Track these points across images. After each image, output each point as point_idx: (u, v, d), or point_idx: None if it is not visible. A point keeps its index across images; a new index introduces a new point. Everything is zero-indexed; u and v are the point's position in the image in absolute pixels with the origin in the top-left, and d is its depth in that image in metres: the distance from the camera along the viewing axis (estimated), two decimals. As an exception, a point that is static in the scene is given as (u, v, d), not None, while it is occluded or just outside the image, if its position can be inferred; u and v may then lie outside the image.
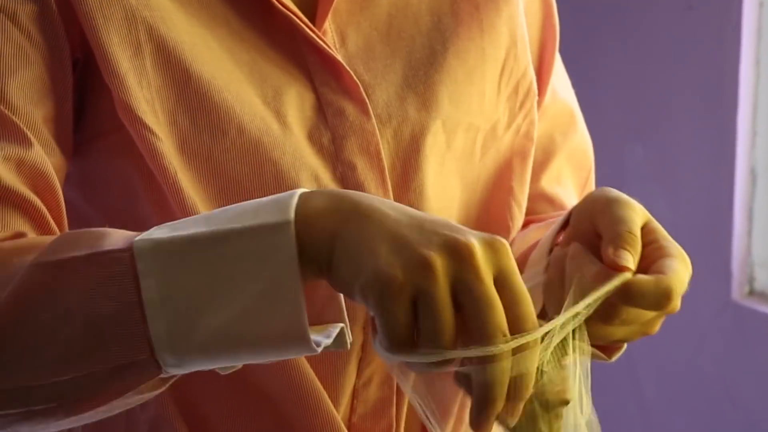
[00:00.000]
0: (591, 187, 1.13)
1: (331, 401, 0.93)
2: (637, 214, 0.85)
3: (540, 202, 1.09)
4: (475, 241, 0.72)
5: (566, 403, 0.82)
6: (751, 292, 2.13)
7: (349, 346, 0.78)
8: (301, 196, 0.75)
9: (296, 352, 0.75)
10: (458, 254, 0.72)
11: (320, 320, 0.79)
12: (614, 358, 0.91)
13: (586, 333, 0.82)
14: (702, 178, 2.14)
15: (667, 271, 0.81)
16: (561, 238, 0.91)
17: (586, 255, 0.84)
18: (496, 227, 1.02)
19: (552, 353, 0.81)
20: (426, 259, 0.71)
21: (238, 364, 0.78)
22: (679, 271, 0.82)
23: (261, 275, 0.73)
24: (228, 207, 0.77)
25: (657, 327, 0.86)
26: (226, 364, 0.77)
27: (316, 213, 0.74)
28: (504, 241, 0.74)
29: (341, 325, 0.78)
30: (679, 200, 2.17)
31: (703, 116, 2.13)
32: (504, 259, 0.73)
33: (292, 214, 0.74)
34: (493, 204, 1.02)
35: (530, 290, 0.78)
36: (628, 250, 0.82)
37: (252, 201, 0.77)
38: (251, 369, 0.90)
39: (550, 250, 0.92)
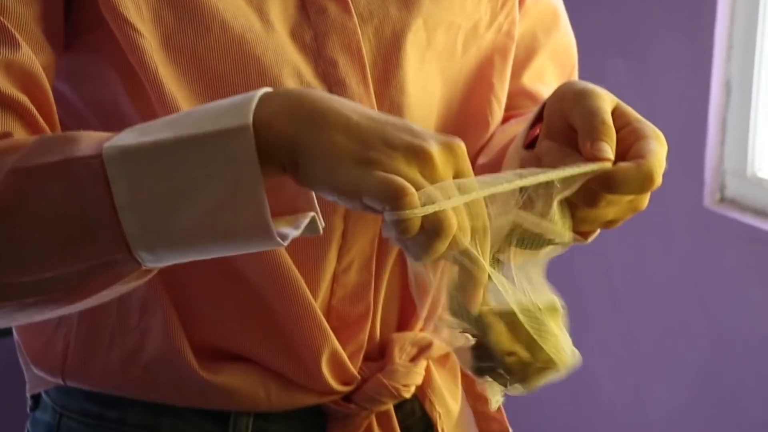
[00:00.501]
0: None
1: (311, 285, 0.95)
2: (606, 102, 0.84)
3: (521, 98, 1.09)
4: (434, 145, 0.74)
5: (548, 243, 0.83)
6: (722, 200, 2.12)
7: (321, 231, 0.79)
8: (262, 98, 0.76)
9: (263, 245, 0.77)
10: (419, 159, 0.74)
11: (293, 209, 0.80)
12: (590, 240, 0.90)
13: (568, 214, 0.83)
14: (679, 90, 2.12)
15: (645, 155, 0.81)
16: (538, 131, 0.91)
17: (561, 149, 0.84)
18: (475, 122, 1.02)
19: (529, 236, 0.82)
20: (390, 168, 0.73)
21: (212, 256, 0.79)
22: (657, 151, 0.82)
23: (223, 177, 0.74)
24: (193, 110, 0.78)
25: (646, 201, 0.86)
26: (199, 258, 0.78)
27: (274, 116, 0.75)
28: (461, 144, 0.76)
29: (311, 214, 0.79)
30: (656, 111, 2.14)
31: (681, 30, 2.10)
32: (461, 162, 0.75)
33: (250, 118, 0.74)
34: (474, 100, 1.02)
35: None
36: (605, 141, 0.81)
37: (215, 103, 0.77)
38: (236, 258, 0.92)
39: (526, 145, 0.92)
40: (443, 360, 1.07)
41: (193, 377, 0.96)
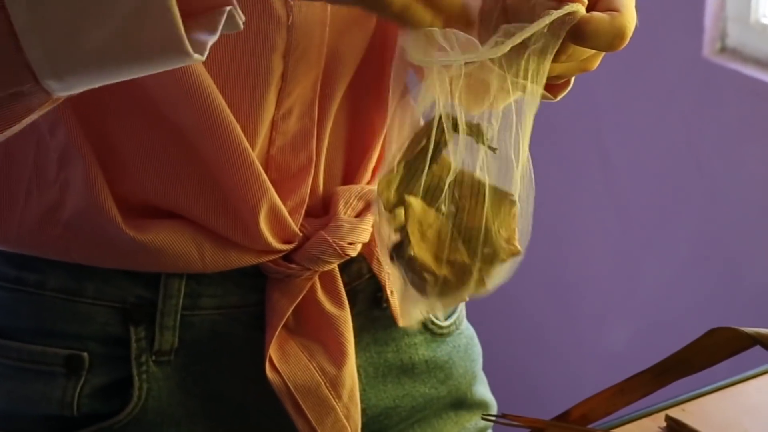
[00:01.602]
0: None
1: (248, 132, 0.93)
2: None
3: None
4: None
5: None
6: (723, 49, 2.11)
7: (242, 26, 0.76)
8: None
9: (180, 61, 0.74)
10: None
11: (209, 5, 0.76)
12: (559, 98, 0.90)
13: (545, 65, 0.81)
14: None
15: (620, 8, 0.80)
16: None
17: None
18: None
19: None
20: None
21: (126, 78, 0.77)
22: (630, 7, 0.81)
23: None
24: None
25: (597, 63, 0.86)
26: (113, 80, 0.76)
27: None
28: None
29: (227, 8, 0.75)
30: None
31: None
32: None
33: None
34: None
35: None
36: None
37: None
38: (164, 101, 0.90)
39: None
40: None
41: (119, 235, 0.94)
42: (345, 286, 1.01)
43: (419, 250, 0.81)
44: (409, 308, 0.85)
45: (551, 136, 2.17)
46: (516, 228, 0.83)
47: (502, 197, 0.82)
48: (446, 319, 1.09)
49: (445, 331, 1.09)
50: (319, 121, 0.96)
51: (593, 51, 0.83)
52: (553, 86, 0.88)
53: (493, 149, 0.82)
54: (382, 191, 0.82)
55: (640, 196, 2.28)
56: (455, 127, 0.82)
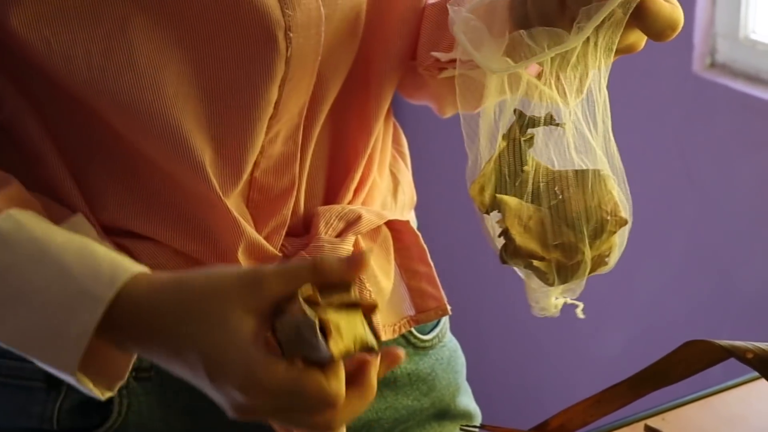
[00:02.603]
0: None
1: (238, 159, 0.92)
2: None
3: None
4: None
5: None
6: (713, 64, 2.11)
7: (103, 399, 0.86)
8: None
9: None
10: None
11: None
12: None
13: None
14: None
15: (673, 1, 0.83)
16: None
17: None
18: None
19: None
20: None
21: None
22: (679, 5, 0.84)
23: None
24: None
25: (641, 46, 0.87)
26: None
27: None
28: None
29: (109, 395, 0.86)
30: None
31: None
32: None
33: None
34: None
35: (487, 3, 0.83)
36: None
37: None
38: (138, 144, 0.92)
39: None
40: (374, 235, 1.04)
41: None
42: None
43: (522, 240, 0.83)
44: (542, 301, 0.88)
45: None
46: (617, 199, 0.86)
47: (593, 175, 0.85)
48: (428, 332, 1.09)
49: (427, 344, 1.08)
50: (302, 143, 0.97)
51: (626, 43, 0.84)
52: None
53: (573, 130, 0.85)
54: (476, 197, 0.84)
55: (634, 206, 2.26)
56: (531, 123, 0.84)
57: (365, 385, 0.81)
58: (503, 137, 0.84)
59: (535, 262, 0.84)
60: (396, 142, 1.09)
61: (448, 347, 1.11)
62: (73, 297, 0.81)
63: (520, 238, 0.83)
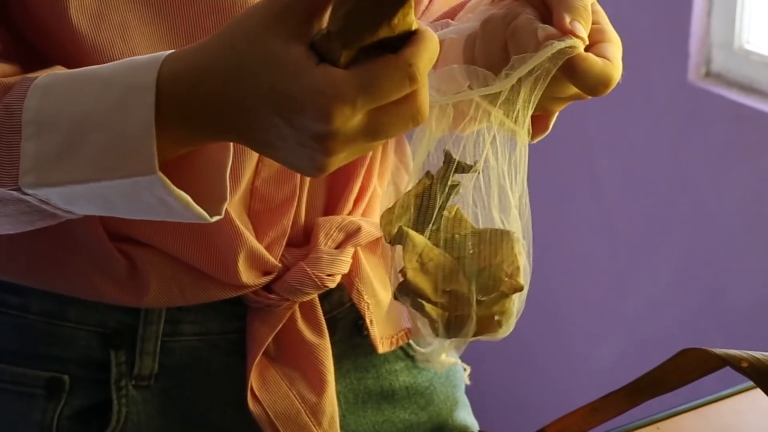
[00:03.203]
0: None
1: (238, 167, 0.92)
2: None
3: None
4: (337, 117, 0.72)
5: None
6: (708, 74, 2.10)
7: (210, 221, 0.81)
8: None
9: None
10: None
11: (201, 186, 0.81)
12: (537, 140, 0.89)
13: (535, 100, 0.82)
14: None
15: (611, 59, 0.81)
16: None
17: (536, 22, 0.82)
18: None
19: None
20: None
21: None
22: (619, 60, 0.82)
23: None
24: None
25: (560, 108, 0.86)
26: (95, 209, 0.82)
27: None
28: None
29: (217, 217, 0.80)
30: None
31: None
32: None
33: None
34: None
35: (444, 44, 0.81)
36: (582, 24, 0.81)
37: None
38: None
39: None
40: (373, 246, 1.04)
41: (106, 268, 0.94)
42: (325, 314, 1.01)
43: (414, 276, 0.82)
44: (432, 356, 0.87)
45: (543, 158, 2.18)
46: (519, 264, 0.84)
47: (503, 235, 0.84)
48: (428, 345, 1.08)
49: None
50: None
51: (569, 93, 0.84)
52: (533, 125, 0.88)
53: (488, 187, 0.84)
54: (385, 225, 0.84)
55: (628, 216, 2.27)
56: (458, 168, 0.83)
57: (425, 30, 0.73)
58: (427, 175, 0.84)
59: (425, 306, 0.83)
60: (398, 151, 1.09)
61: None
62: (122, 96, 0.77)
63: (413, 274, 0.82)
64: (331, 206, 1.01)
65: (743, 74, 2.06)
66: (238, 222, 0.93)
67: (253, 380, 0.98)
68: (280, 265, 0.97)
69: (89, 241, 0.94)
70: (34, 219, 0.84)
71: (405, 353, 1.07)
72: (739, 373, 1.02)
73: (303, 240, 1.00)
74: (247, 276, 0.95)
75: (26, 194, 0.79)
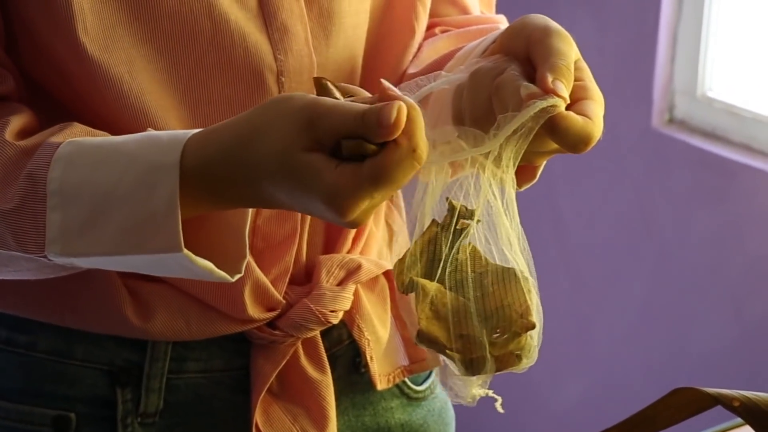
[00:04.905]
0: None
1: None
2: (572, 49, 0.85)
3: (443, 4, 1.07)
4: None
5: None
6: (671, 120, 2.13)
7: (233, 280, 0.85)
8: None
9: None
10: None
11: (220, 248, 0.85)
12: (523, 188, 0.91)
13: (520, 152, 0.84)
14: (629, 3, 2.12)
15: (592, 117, 0.82)
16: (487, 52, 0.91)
17: (520, 79, 0.84)
18: (401, 29, 1.01)
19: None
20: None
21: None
22: (600, 118, 0.83)
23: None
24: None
25: (545, 160, 0.89)
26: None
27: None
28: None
29: (235, 276, 0.84)
30: (606, 24, 2.15)
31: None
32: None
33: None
34: (398, 5, 1.02)
35: (434, 94, 0.85)
36: (564, 84, 0.82)
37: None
38: None
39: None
40: (372, 284, 1.05)
41: (117, 304, 0.96)
42: (325, 351, 1.02)
43: (428, 325, 0.84)
44: (461, 390, 0.88)
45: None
46: (530, 302, 0.85)
47: (514, 274, 0.85)
48: (421, 383, 1.10)
49: (420, 395, 1.09)
50: None
51: (551, 148, 0.85)
52: (518, 175, 0.89)
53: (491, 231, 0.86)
54: (397, 276, 0.85)
55: (592, 259, 2.28)
56: (462, 213, 0.85)
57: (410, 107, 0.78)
58: (434, 223, 0.86)
59: (444, 350, 0.85)
60: None
61: (439, 398, 1.12)
62: (146, 175, 0.81)
63: (426, 323, 0.84)
64: (331, 244, 1.02)
65: (706, 121, 2.09)
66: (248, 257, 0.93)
67: (258, 417, 0.98)
68: (284, 301, 0.98)
69: (98, 275, 0.94)
70: (57, 272, 0.87)
71: (401, 391, 1.08)
72: (730, 412, 1.03)
73: (305, 278, 1.01)
74: (253, 309, 0.96)
75: (51, 261, 0.83)
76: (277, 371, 0.99)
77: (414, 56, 1.03)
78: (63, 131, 0.86)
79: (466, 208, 0.86)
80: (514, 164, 0.83)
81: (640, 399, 1.07)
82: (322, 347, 1.01)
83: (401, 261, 0.85)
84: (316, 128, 0.78)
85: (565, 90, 0.81)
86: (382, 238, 1.07)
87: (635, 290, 2.21)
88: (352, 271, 1.01)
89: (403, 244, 1.08)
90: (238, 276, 0.85)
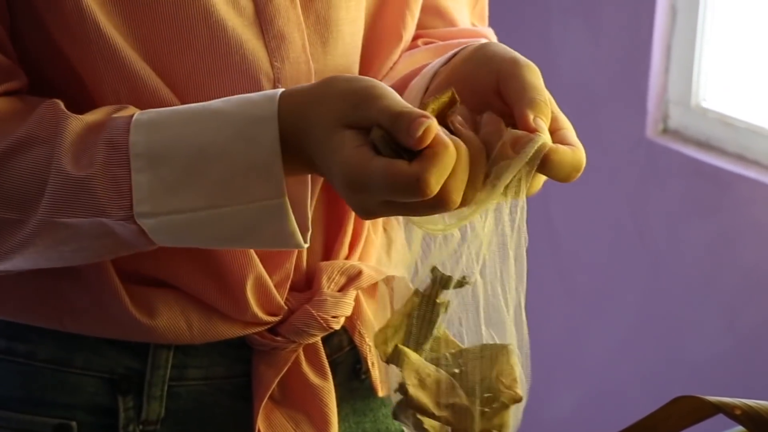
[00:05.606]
0: (482, 4, 1.11)
1: None
2: (541, 81, 0.86)
3: (430, 15, 1.07)
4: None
5: None
6: (665, 130, 2.14)
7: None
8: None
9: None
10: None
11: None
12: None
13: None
14: (623, 13, 2.13)
15: (574, 143, 0.84)
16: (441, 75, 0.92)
17: (500, 122, 0.85)
18: (389, 36, 1.02)
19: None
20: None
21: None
22: (579, 143, 0.85)
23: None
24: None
25: (536, 190, 0.89)
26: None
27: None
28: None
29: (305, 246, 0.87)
30: (600, 34, 2.16)
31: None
32: None
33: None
34: (388, 13, 1.02)
35: None
36: (544, 120, 0.83)
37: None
38: None
39: (427, 88, 0.93)
40: (373, 291, 1.06)
41: (120, 308, 0.95)
42: (326, 358, 1.02)
43: (416, 392, 0.85)
44: None
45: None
46: (516, 375, 0.86)
47: (499, 348, 0.86)
48: None
49: None
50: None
51: (541, 181, 0.86)
52: None
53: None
54: (379, 345, 0.86)
55: (586, 269, 2.28)
56: (444, 283, 0.87)
57: (437, 144, 0.80)
58: (416, 293, 0.87)
59: (426, 424, 0.86)
60: None
61: None
62: (245, 128, 0.84)
63: (414, 390, 0.85)
64: (329, 251, 1.03)
65: (700, 131, 2.10)
66: (250, 250, 0.95)
67: (260, 423, 0.99)
68: (286, 307, 0.98)
69: (97, 279, 0.94)
70: (126, 248, 0.89)
71: None
72: (732, 420, 1.03)
73: (306, 285, 1.01)
74: (256, 309, 0.96)
75: (135, 224, 0.85)
76: (279, 377, 0.99)
77: (390, 69, 1.04)
78: (123, 110, 0.88)
79: (452, 280, 0.87)
80: (522, 215, 0.85)
81: (635, 409, 1.07)
82: (324, 354, 1.02)
83: (382, 330, 0.87)
84: (360, 110, 0.81)
85: (545, 127, 0.83)
86: (380, 245, 1.08)
87: (629, 299, 2.22)
88: (352, 277, 1.01)
89: (401, 251, 1.08)
90: (306, 246, 0.88)
